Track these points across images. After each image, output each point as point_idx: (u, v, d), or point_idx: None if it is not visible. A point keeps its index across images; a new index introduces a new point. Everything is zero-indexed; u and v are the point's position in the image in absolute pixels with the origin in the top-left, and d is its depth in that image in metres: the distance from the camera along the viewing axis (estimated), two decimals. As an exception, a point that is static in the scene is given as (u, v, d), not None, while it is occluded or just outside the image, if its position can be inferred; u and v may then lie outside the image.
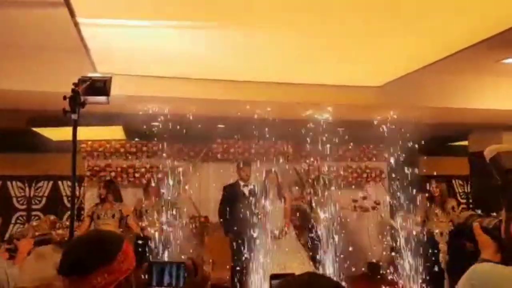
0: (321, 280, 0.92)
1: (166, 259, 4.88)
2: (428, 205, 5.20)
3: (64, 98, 2.22)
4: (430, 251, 4.97)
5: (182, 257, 4.76)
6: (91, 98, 2.34)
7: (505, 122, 5.84)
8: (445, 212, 5.04)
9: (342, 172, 6.79)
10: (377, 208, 6.67)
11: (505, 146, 1.13)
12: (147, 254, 4.98)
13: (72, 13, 2.67)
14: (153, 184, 5.51)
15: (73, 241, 1.47)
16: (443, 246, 4.94)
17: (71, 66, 3.53)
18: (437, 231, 4.96)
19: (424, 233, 5.09)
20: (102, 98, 2.39)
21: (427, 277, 4.89)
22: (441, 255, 4.92)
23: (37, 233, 3.33)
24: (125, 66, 4.01)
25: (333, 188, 5.98)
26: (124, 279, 1.24)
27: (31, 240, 2.64)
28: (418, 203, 5.46)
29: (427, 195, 5.25)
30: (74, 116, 2.23)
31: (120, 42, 3.47)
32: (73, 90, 2.24)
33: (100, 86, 2.37)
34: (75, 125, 2.24)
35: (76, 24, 2.84)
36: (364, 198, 6.67)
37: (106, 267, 1.20)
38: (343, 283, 4.78)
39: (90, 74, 2.46)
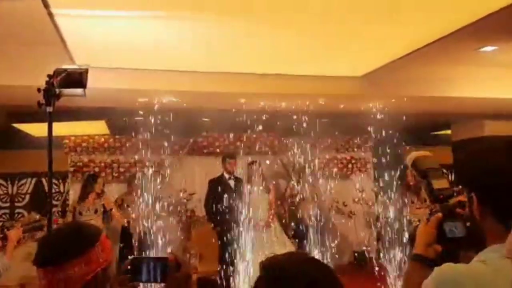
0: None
1: (153, 253, 4.86)
2: (404, 193, 5.22)
3: (39, 90, 2.19)
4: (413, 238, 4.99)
5: (168, 251, 4.75)
6: (67, 91, 2.30)
7: (486, 111, 5.94)
8: (420, 199, 5.07)
9: (328, 163, 6.83)
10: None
11: (421, 152, 1.29)
12: (133, 249, 4.95)
13: (45, 4, 2.61)
14: (137, 179, 5.46)
15: (50, 232, 1.44)
16: None
17: (49, 59, 3.46)
18: (414, 218, 4.99)
19: (405, 220, 5.11)
20: (78, 91, 2.35)
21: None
22: None
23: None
24: (106, 59, 3.95)
25: (318, 179, 6.01)
26: (102, 270, 1.22)
27: (20, 228, 2.66)
28: (402, 192, 5.51)
29: (403, 183, 5.29)
30: (49, 109, 2.20)
31: (98, 33, 3.41)
32: (47, 82, 2.21)
33: (76, 78, 2.33)
34: (50, 117, 2.21)
35: (50, 15, 2.78)
36: None
37: (84, 256, 1.19)
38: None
39: (65, 66, 2.41)
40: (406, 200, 5.30)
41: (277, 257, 0.97)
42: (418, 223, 1.31)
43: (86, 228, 1.31)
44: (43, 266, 1.19)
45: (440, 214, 1.20)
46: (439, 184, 1.24)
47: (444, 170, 1.33)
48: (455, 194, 1.24)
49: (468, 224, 1.15)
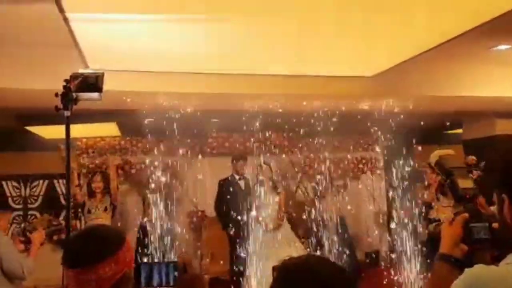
0: (321, 261, 0.97)
1: (163, 255, 4.88)
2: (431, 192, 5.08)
3: (56, 95, 2.21)
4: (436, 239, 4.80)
5: (178, 255, 4.76)
6: (83, 95, 2.32)
7: (497, 109, 5.88)
8: (447, 197, 4.89)
9: (338, 163, 6.81)
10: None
11: (445, 151, 1.26)
12: (146, 250, 4.97)
13: (61, 8, 2.64)
14: (150, 180, 5.49)
15: (74, 235, 1.46)
16: None
17: (63, 63, 3.50)
18: (442, 218, 4.83)
19: (429, 220, 4.96)
20: (95, 95, 2.37)
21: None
22: None
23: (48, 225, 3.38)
24: (118, 62, 3.98)
25: (329, 179, 5.99)
26: (128, 270, 1.25)
27: (43, 232, 2.72)
28: (416, 191, 5.44)
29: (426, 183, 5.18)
30: (66, 113, 2.23)
31: (111, 37, 3.44)
32: (64, 87, 2.23)
33: (93, 82, 2.35)
34: (67, 122, 2.23)
35: (65, 20, 2.81)
36: None
37: (114, 257, 1.21)
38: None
39: (81, 70, 2.43)
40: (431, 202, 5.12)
41: (291, 260, 0.98)
42: (436, 222, 1.29)
43: (112, 229, 1.36)
44: (74, 267, 1.20)
45: (466, 214, 1.19)
46: (465, 183, 1.23)
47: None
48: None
49: (495, 225, 1.14)
